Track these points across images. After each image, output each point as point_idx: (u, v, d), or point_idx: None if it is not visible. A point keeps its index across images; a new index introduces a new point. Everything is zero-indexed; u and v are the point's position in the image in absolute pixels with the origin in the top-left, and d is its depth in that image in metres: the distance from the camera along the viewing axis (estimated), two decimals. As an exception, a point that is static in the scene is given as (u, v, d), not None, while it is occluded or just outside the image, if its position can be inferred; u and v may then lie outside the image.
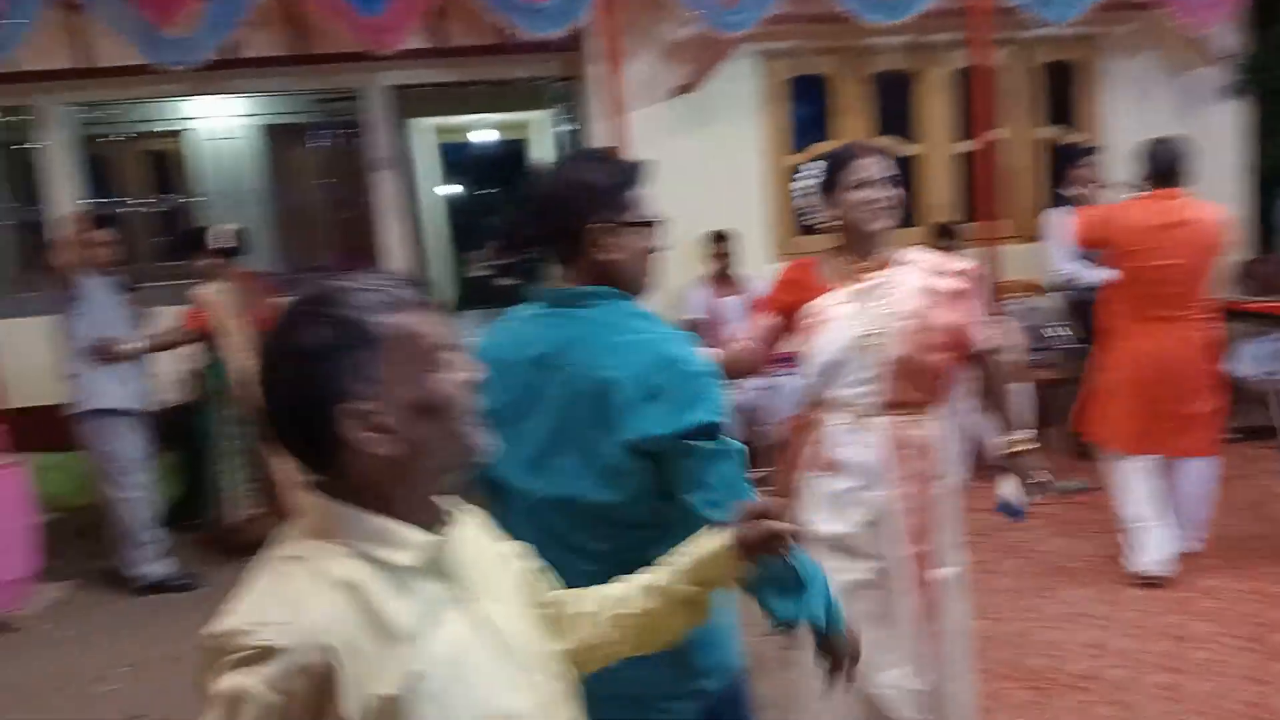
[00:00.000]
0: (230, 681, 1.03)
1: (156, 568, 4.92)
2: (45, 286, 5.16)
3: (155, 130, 7.45)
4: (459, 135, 11.58)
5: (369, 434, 1.11)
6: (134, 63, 5.70)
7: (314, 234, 7.56)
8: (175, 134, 7.41)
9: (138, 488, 4.85)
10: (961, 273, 2.69)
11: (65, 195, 6.59)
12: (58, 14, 5.65)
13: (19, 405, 5.66)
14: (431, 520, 1.19)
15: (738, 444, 1.70)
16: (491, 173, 14.18)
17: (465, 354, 1.20)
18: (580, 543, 1.74)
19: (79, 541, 5.32)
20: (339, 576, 1.10)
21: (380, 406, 1.11)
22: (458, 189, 12.68)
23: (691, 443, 1.65)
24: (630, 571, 1.51)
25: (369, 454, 1.11)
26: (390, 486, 1.15)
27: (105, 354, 4.67)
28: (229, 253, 5.24)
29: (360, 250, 7.16)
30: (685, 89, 6.19)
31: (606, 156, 1.86)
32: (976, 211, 6.18)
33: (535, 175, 1.87)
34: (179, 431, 5.38)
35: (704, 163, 6.04)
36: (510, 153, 12.67)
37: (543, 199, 1.81)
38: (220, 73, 5.82)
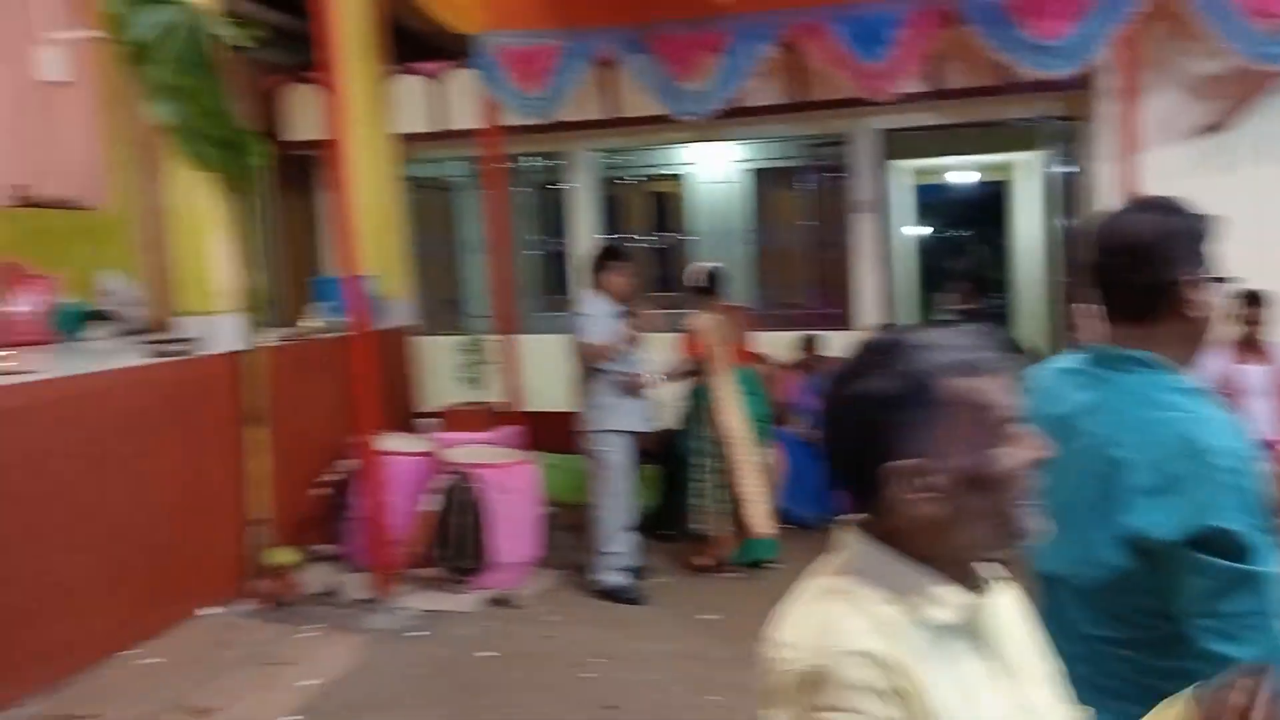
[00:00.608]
0: (791, 706, 1.08)
1: (614, 577, 5.30)
2: (563, 308, 5.89)
3: (660, 174, 8.19)
4: (935, 176, 11.40)
5: (913, 493, 1.10)
6: (652, 113, 6.34)
7: (793, 273, 7.85)
8: (676, 177, 8.10)
9: (621, 497, 5.30)
10: None
11: (585, 231, 7.50)
12: (594, 71, 6.44)
13: (535, 409, 6.53)
14: (967, 584, 1.15)
15: (1271, 569, 1.42)
16: (965, 215, 13.80)
17: (1033, 430, 1.15)
18: (1071, 621, 1.59)
19: (570, 536, 5.95)
20: (878, 615, 1.10)
21: (930, 468, 1.09)
22: (928, 230, 12.50)
23: (1199, 555, 1.42)
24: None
25: (910, 510, 1.11)
26: (928, 543, 1.13)
27: (633, 389, 5.18)
28: (704, 289, 5.59)
29: (833, 288, 7.31)
30: (1212, 128, 5.54)
31: (1175, 205, 1.68)
32: None
33: (1106, 221, 1.72)
34: (661, 448, 5.83)
35: (1231, 211, 5.32)
36: (987, 195, 12.24)
37: (1129, 248, 1.63)
38: (723, 121, 6.26)
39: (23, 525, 4.16)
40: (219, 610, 5.09)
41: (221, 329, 5.34)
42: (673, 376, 5.52)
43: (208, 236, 5.33)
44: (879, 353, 1.15)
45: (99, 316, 5.57)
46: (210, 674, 4.42)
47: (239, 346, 5.38)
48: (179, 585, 4.95)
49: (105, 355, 5.08)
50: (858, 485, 1.16)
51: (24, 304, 5.33)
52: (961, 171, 11.52)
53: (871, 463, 1.11)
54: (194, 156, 5.18)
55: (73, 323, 5.44)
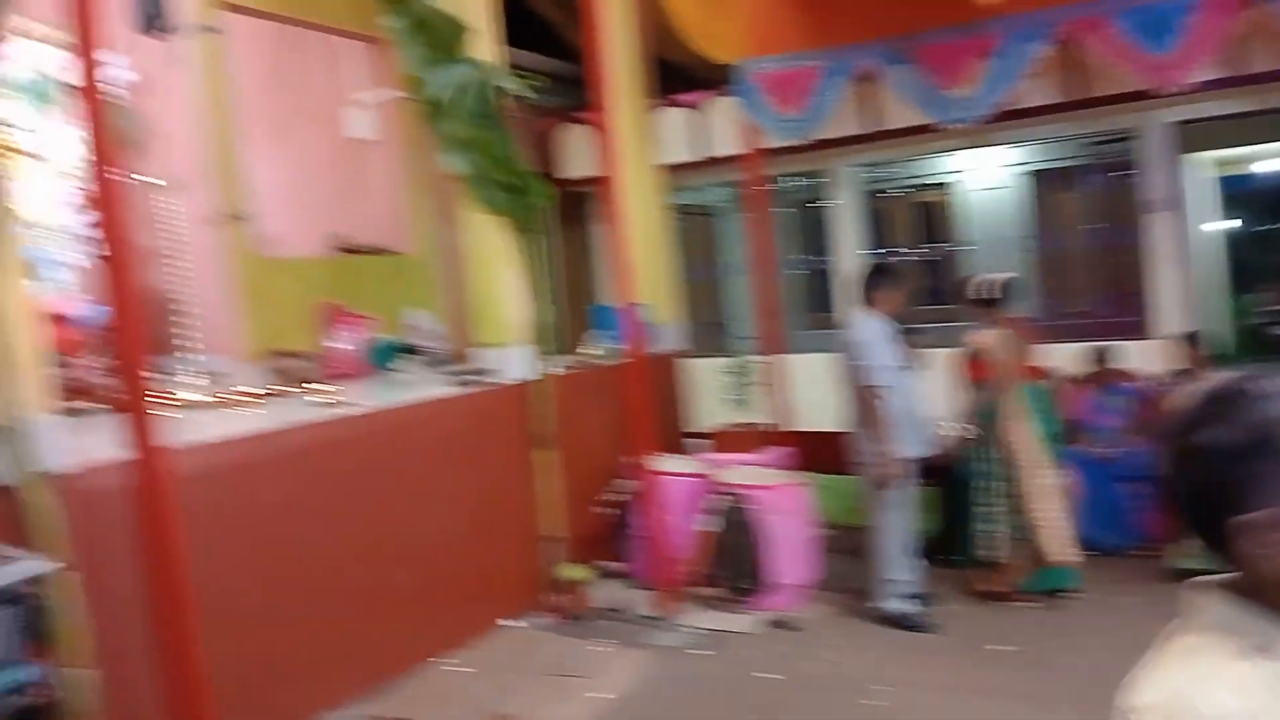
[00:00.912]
0: None
1: (898, 603, 5.14)
2: (828, 327, 5.84)
3: (926, 184, 7.98)
4: (1241, 167, 10.35)
5: (1265, 549, 1.04)
6: (914, 124, 6.20)
7: (1079, 280, 7.39)
8: (943, 186, 7.86)
9: (901, 522, 5.15)
10: None
11: (849, 247, 7.42)
12: (853, 86, 6.38)
13: (803, 430, 6.52)
14: None
15: None
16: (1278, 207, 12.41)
17: None
18: None
19: (847, 559, 5.87)
20: (1240, 676, 1.05)
21: None
22: (1235, 225, 11.34)
23: None
24: None
25: (1265, 565, 1.05)
26: None
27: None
28: (989, 301, 5.34)
29: (1126, 295, 6.81)
30: None
31: None
32: None
33: None
34: (943, 469, 5.62)
35: None
36: (1304, 183, 10.96)
37: None
38: (993, 125, 6.01)
39: (348, 541, 4.63)
40: (518, 623, 5.43)
41: (513, 359, 5.72)
42: (970, 420, 5.33)
43: (499, 275, 5.75)
44: (1220, 402, 1.10)
45: (408, 350, 6.15)
46: (510, 683, 4.71)
47: (529, 375, 5.74)
48: (482, 598, 5.33)
49: (413, 386, 5.60)
50: (1209, 537, 1.11)
51: (344, 341, 5.98)
52: (1271, 160, 10.40)
53: (1220, 516, 1.07)
54: (485, 202, 5.60)
55: (385, 357, 6.04)
